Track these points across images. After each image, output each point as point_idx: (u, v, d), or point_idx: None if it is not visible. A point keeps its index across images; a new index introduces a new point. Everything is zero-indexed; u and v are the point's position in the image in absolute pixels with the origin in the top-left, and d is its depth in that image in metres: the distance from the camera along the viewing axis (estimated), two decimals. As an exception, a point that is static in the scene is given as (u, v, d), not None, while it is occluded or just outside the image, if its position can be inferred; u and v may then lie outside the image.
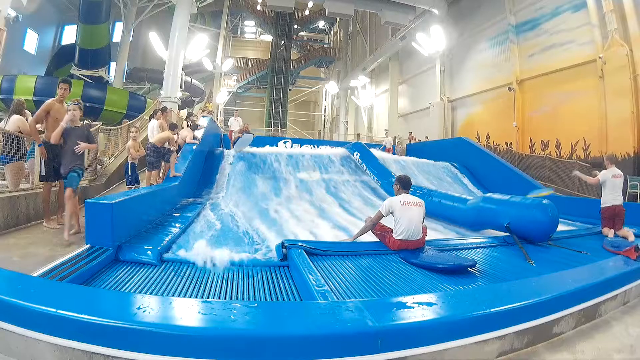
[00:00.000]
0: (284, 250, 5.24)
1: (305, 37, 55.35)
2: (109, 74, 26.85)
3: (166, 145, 9.72)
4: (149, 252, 4.98)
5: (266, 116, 44.49)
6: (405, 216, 5.79)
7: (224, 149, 14.63)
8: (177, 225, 6.74)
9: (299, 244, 5.42)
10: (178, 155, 10.52)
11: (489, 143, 22.58)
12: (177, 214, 7.77)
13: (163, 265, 4.82)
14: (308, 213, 9.79)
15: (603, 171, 8.15)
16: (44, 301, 2.52)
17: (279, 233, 7.41)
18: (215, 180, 11.84)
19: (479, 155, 16.94)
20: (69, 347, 2.35)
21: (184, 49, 23.07)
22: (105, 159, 12.14)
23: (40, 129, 6.78)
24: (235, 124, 19.05)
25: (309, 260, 4.78)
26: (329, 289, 3.81)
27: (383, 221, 6.25)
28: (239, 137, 13.98)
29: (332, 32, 56.26)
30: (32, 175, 7.45)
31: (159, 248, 5.12)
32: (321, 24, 53.35)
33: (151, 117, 10.92)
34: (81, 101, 6.60)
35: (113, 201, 5.05)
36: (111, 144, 13.24)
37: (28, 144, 7.30)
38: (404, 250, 5.73)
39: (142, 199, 6.53)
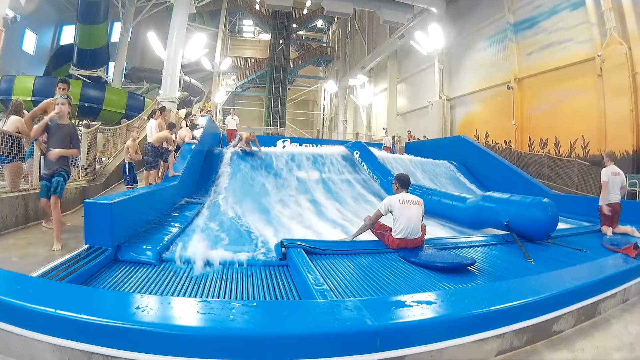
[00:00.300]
0: (283, 249, 5.24)
1: (303, 36, 55.34)
2: (107, 74, 26.87)
3: (164, 144, 9.71)
4: (148, 252, 4.98)
5: (265, 115, 44.51)
6: (404, 215, 5.78)
7: (223, 148, 14.60)
8: (176, 225, 6.73)
9: (298, 243, 5.42)
10: (177, 155, 10.51)
11: (487, 141, 22.58)
12: (176, 214, 7.76)
13: (162, 265, 4.82)
14: (307, 212, 9.80)
15: (604, 170, 8.15)
16: (43, 301, 2.52)
17: (278, 232, 7.42)
18: (214, 179, 11.82)
19: (478, 153, 16.92)
20: (68, 347, 2.35)
21: (183, 48, 23.07)
22: (104, 158, 12.14)
23: None
24: (232, 122, 19.06)
25: (308, 259, 4.78)
26: (328, 288, 3.81)
27: (382, 220, 6.24)
28: (244, 149, 13.65)
29: (330, 31, 56.24)
30: (31, 175, 7.44)
31: (158, 248, 5.12)
32: (320, 23, 53.33)
33: (150, 117, 10.92)
34: (70, 96, 6.38)
35: (112, 201, 5.05)
36: (110, 144, 13.24)
37: (27, 145, 7.29)
38: (403, 249, 5.73)
39: (141, 199, 6.52)
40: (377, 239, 6.25)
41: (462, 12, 25.45)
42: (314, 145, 17.53)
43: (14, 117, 7.18)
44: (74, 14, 25.27)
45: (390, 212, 5.94)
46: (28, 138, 7.04)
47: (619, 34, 14.91)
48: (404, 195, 6.06)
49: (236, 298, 3.93)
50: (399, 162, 15.97)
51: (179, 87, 23.25)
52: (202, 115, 16.65)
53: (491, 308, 2.99)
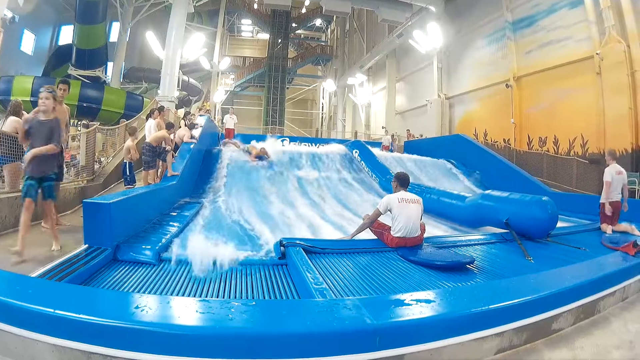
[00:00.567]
0: (282, 248, 5.25)
1: (302, 35, 55.28)
2: (106, 73, 26.86)
3: (162, 144, 9.71)
4: (147, 252, 4.98)
5: (264, 115, 44.50)
6: (403, 213, 5.78)
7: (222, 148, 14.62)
8: (175, 224, 6.73)
9: (297, 242, 5.42)
10: (175, 154, 10.51)
11: (486, 140, 22.58)
12: (175, 213, 7.75)
13: (161, 265, 4.82)
14: (306, 211, 9.80)
15: (607, 169, 8.14)
16: (42, 301, 2.52)
17: (277, 231, 7.42)
18: (213, 179, 11.82)
19: (477, 152, 16.94)
20: (67, 347, 2.35)
21: (181, 48, 23.03)
22: (103, 158, 12.14)
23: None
24: (230, 121, 19.09)
25: (307, 258, 4.78)
26: (327, 287, 3.81)
27: (381, 219, 6.25)
28: (258, 160, 13.52)
29: (329, 30, 56.17)
30: (20, 175, 7.43)
31: (157, 247, 5.12)
32: (318, 22, 53.26)
33: (148, 116, 10.91)
34: (54, 89, 6.13)
35: (111, 201, 5.05)
36: (109, 144, 13.23)
37: (25, 145, 7.29)
38: (402, 248, 5.73)
39: (140, 199, 6.53)
40: (376, 237, 6.24)
41: (460, 10, 25.42)
42: (313, 144, 17.50)
43: (12, 118, 7.18)
44: (72, 14, 25.21)
45: (389, 210, 5.94)
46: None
47: (617, 32, 14.89)
48: (403, 194, 6.06)
49: (235, 297, 3.93)
50: (398, 161, 15.98)
51: (178, 86, 23.23)
52: (200, 115, 16.64)
53: (490, 306, 3.00)
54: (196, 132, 12.50)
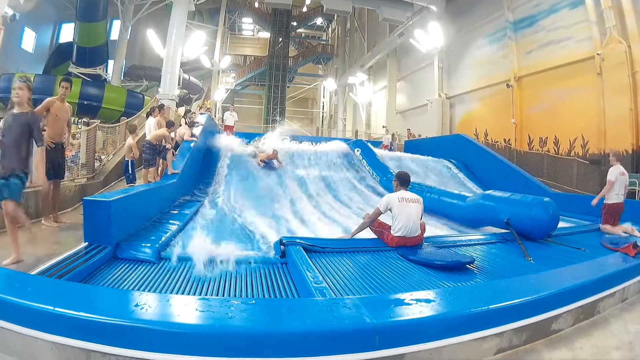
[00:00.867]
0: (282, 247, 5.25)
1: (303, 34, 55.31)
2: (106, 71, 26.80)
3: (162, 142, 9.71)
4: (147, 250, 4.98)
5: (264, 113, 44.53)
6: (404, 213, 5.78)
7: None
8: (175, 222, 6.73)
9: (297, 240, 5.42)
10: (176, 152, 10.51)
11: (487, 140, 22.59)
12: (176, 212, 7.75)
13: (161, 263, 4.82)
14: (306, 210, 9.81)
15: (612, 169, 8.14)
16: (42, 299, 2.53)
17: (277, 230, 7.43)
18: (213, 177, 11.82)
19: (477, 152, 16.92)
20: (67, 345, 2.35)
21: (182, 46, 23.03)
22: (104, 156, 12.13)
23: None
24: (230, 118, 19.10)
25: (307, 257, 4.78)
26: (327, 286, 3.81)
27: (381, 218, 6.24)
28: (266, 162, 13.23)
29: (330, 29, 56.24)
30: (31, 173, 7.43)
31: (157, 245, 5.12)
32: (319, 21, 53.37)
33: (148, 114, 10.91)
34: (30, 78, 5.68)
35: (111, 199, 5.05)
36: (109, 142, 13.22)
37: None
38: (402, 247, 5.72)
39: (141, 197, 6.52)
40: (376, 236, 6.24)
41: (461, 10, 25.41)
42: (314, 143, 17.46)
43: None
44: (73, 12, 25.23)
45: (389, 210, 5.94)
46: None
47: (618, 32, 14.88)
48: (403, 193, 6.05)
49: (235, 296, 3.93)
50: (398, 160, 15.99)
51: (179, 85, 23.24)
52: (201, 113, 16.65)
53: (490, 306, 2.99)
54: (197, 131, 12.50)
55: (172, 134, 10.35)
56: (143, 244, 5.13)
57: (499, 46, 22.18)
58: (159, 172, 10.21)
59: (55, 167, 6.70)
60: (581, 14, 16.66)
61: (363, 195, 12.27)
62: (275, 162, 13.28)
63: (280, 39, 45.77)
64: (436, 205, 9.56)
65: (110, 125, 13.29)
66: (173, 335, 2.32)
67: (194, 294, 3.90)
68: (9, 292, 2.60)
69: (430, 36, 25.35)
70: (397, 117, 34.12)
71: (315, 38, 56.97)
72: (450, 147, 18.27)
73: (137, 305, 2.57)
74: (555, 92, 18.29)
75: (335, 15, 47.30)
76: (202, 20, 40.29)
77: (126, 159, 9.53)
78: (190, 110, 19.10)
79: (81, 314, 2.37)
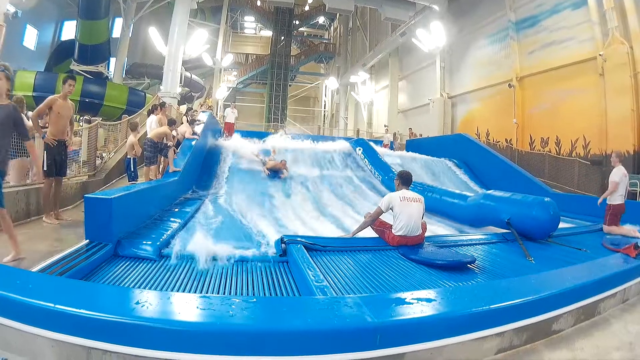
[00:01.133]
0: (283, 245, 5.24)
1: (305, 33, 55.30)
2: (108, 69, 26.76)
3: (164, 140, 9.72)
4: (148, 248, 4.98)
5: (266, 112, 44.55)
6: (405, 212, 5.78)
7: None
8: (176, 220, 6.73)
9: (298, 239, 5.41)
10: (177, 150, 10.52)
11: (488, 140, 22.59)
12: (177, 209, 7.76)
13: (162, 261, 4.82)
14: (307, 208, 9.81)
15: (616, 170, 8.12)
16: (43, 296, 2.52)
17: (278, 228, 7.43)
18: (214, 175, 11.83)
19: (479, 151, 16.90)
20: (67, 342, 2.35)
21: (184, 44, 23.06)
22: (105, 154, 12.13)
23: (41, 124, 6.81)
24: (231, 115, 19.08)
25: (308, 255, 4.77)
26: (328, 285, 3.81)
27: (382, 217, 6.24)
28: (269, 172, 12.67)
29: (332, 27, 56.18)
30: (31, 170, 7.46)
31: (158, 243, 5.12)
32: (321, 19, 53.31)
33: (149, 112, 10.91)
34: (9, 67, 5.22)
35: (112, 196, 5.04)
36: (110, 140, 13.22)
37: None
38: (403, 246, 5.73)
39: (142, 194, 6.52)
40: (377, 236, 6.24)
41: (463, 10, 25.40)
42: (315, 141, 17.45)
43: None
44: (75, 10, 25.17)
45: (390, 209, 5.94)
46: (30, 133, 7.06)
47: (620, 33, 14.87)
48: (404, 193, 6.05)
49: (236, 294, 3.93)
50: (399, 159, 15.98)
51: (180, 83, 23.23)
52: (203, 111, 16.64)
53: (491, 306, 2.99)
54: (198, 129, 12.50)
55: (174, 132, 10.35)
56: (144, 242, 5.13)
57: (501, 46, 22.17)
58: (160, 169, 10.22)
59: (58, 165, 6.72)
60: (583, 15, 16.65)
61: (364, 194, 12.26)
62: (284, 171, 12.81)
63: (283, 38, 45.76)
64: (437, 204, 9.56)
65: (112, 123, 13.29)
66: (174, 333, 2.31)
67: (195, 292, 3.90)
68: (10, 290, 2.60)
69: (432, 36, 25.36)
70: (398, 116, 34.13)
71: (317, 37, 56.91)
72: (451, 147, 18.24)
73: (138, 302, 2.57)
74: (557, 92, 18.28)
75: (338, 14, 47.29)
76: (204, 18, 40.27)
77: (128, 156, 9.53)
78: (192, 108, 19.08)
79: (82, 311, 2.37)
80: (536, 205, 6.94)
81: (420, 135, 25.48)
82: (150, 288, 3.91)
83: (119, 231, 5.15)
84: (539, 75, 19.43)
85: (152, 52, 29.01)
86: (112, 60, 28.99)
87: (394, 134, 24.46)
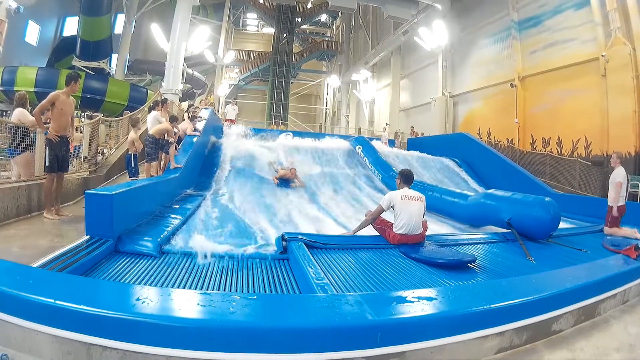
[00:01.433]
0: (283, 243, 5.25)
1: (307, 31, 55.37)
2: (110, 65, 26.82)
3: (165, 136, 9.72)
4: (148, 244, 4.99)
5: (267, 109, 44.57)
6: (406, 210, 5.78)
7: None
8: (177, 217, 6.73)
9: (299, 236, 5.42)
10: (178, 147, 10.51)
11: (490, 139, 22.55)
12: (177, 206, 7.76)
13: (163, 257, 4.83)
14: (308, 206, 9.79)
15: (617, 171, 8.08)
16: (43, 292, 2.52)
17: (279, 226, 7.43)
18: (215, 172, 11.82)
19: (480, 151, 16.87)
20: (67, 338, 2.34)
21: (186, 41, 23.08)
22: (106, 150, 12.14)
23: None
24: (232, 112, 19.14)
25: (308, 253, 4.78)
26: (329, 282, 3.81)
27: (383, 215, 6.25)
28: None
29: (334, 25, 56.16)
30: (33, 166, 7.47)
31: (158, 240, 5.12)
32: (323, 17, 53.33)
33: (150, 109, 10.90)
34: None
35: (113, 192, 5.04)
36: (112, 136, 13.23)
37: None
38: (403, 245, 5.73)
39: (143, 191, 6.52)
40: (378, 234, 6.24)
41: (466, 8, 25.34)
42: (316, 139, 17.44)
43: (19, 110, 7.25)
44: (77, 6, 25.13)
45: (391, 207, 5.94)
46: (32, 128, 7.08)
47: (623, 34, 14.83)
48: (405, 191, 6.05)
49: (236, 291, 3.94)
50: (400, 158, 15.97)
51: (182, 79, 23.25)
52: (205, 108, 16.66)
53: (491, 305, 2.99)
54: (199, 125, 12.49)
55: (175, 129, 10.35)
56: (145, 238, 5.14)
57: (503, 46, 22.12)
58: (161, 166, 10.21)
59: (60, 161, 6.72)
60: (586, 15, 16.60)
61: (364, 192, 12.25)
62: (296, 181, 11.75)
63: (285, 35, 45.78)
64: (438, 203, 9.56)
65: (113, 119, 13.30)
66: (174, 330, 2.32)
67: (196, 289, 3.91)
68: (11, 285, 2.60)
69: (434, 34, 25.35)
70: (400, 114, 34.12)
71: (319, 34, 56.89)
72: (453, 146, 18.21)
73: (138, 299, 2.57)
74: (558, 92, 18.24)
75: (340, 12, 47.26)
76: (206, 15, 40.28)
77: (129, 152, 9.53)
78: (193, 105, 19.11)
79: (82, 307, 2.37)
80: (537, 205, 6.93)
81: (422, 134, 25.47)
82: (150, 284, 3.91)
83: (119, 227, 5.15)
84: (541, 75, 19.38)
85: (154, 48, 29.09)
86: (114, 56, 29.07)
87: (396, 133, 24.47)
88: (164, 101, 11.79)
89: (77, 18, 24.79)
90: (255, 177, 11.69)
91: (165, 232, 5.59)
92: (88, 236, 4.85)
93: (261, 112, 47.84)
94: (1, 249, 4.61)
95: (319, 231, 7.27)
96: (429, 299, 3.02)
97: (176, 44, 21.94)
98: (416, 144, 21.43)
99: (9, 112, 8.41)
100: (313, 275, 3.93)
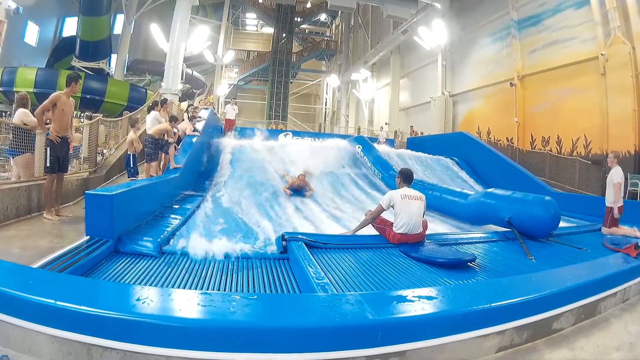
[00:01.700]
0: (283, 242, 5.25)
1: (306, 30, 55.31)
2: (109, 66, 26.80)
3: (165, 137, 9.72)
4: (148, 244, 4.99)
5: (267, 109, 44.49)
6: (406, 210, 5.78)
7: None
8: (177, 217, 6.74)
9: (299, 236, 5.42)
10: (178, 147, 10.51)
11: (489, 138, 22.55)
12: (177, 206, 7.76)
13: (163, 257, 4.83)
14: (308, 206, 9.79)
15: (616, 171, 8.05)
16: (43, 292, 2.51)
17: (279, 225, 7.42)
18: (215, 172, 11.82)
19: (480, 150, 16.89)
20: (67, 339, 2.34)
21: (185, 41, 23.05)
22: (106, 150, 12.14)
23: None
24: (231, 112, 19.10)
25: (308, 253, 4.78)
26: (329, 282, 3.81)
27: (383, 215, 6.25)
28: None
29: (333, 25, 56.12)
30: (33, 167, 7.47)
31: (158, 240, 5.12)
32: (323, 16, 53.31)
33: (150, 109, 10.90)
34: None
35: (113, 193, 5.04)
36: (111, 136, 13.23)
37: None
38: (403, 244, 5.73)
39: (142, 191, 6.52)
40: (378, 233, 6.24)
41: (466, 8, 25.31)
42: (316, 139, 17.47)
43: (21, 110, 7.25)
44: (76, 6, 25.13)
45: (391, 206, 5.94)
46: (33, 129, 7.08)
47: (623, 33, 14.83)
48: (405, 190, 6.05)
49: (236, 291, 3.94)
50: (400, 157, 15.97)
51: (181, 79, 23.23)
52: (204, 108, 16.66)
53: (492, 304, 2.98)
54: (199, 125, 12.49)
55: (175, 129, 10.35)
56: (144, 238, 5.14)
57: (503, 45, 22.10)
58: (161, 166, 10.21)
59: (60, 161, 6.73)
60: (586, 14, 16.59)
61: (364, 191, 12.25)
62: (307, 189, 11.03)
63: (284, 35, 45.69)
64: (438, 202, 9.56)
65: (113, 119, 13.30)
66: (174, 330, 2.31)
67: (196, 289, 3.91)
68: (11, 286, 2.60)
69: (434, 34, 25.34)
70: (400, 114, 34.12)
71: (318, 34, 56.82)
72: (452, 145, 18.23)
73: (138, 299, 2.56)
74: (558, 91, 18.23)
75: (339, 12, 47.26)
76: (205, 15, 40.30)
77: (128, 152, 9.53)
78: (193, 105, 19.13)
79: (82, 307, 2.36)
80: (537, 204, 6.93)
81: (422, 133, 25.47)
82: (150, 285, 3.91)
83: (119, 228, 5.15)
84: (540, 74, 19.37)
85: (154, 48, 29.07)
86: (114, 56, 29.05)
87: (395, 132, 24.48)
88: (164, 101, 11.78)
89: (76, 18, 24.76)
90: (255, 177, 11.67)
91: (165, 232, 5.59)
92: (88, 237, 4.85)
93: (261, 112, 47.80)
94: (1, 249, 4.61)
95: (319, 231, 7.27)
96: (429, 298, 3.02)
97: (175, 44, 21.92)
98: (416, 143, 21.45)
99: (8, 112, 8.40)
100: (313, 274, 3.93)
